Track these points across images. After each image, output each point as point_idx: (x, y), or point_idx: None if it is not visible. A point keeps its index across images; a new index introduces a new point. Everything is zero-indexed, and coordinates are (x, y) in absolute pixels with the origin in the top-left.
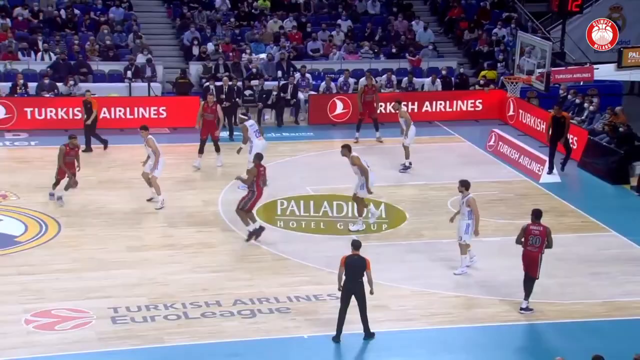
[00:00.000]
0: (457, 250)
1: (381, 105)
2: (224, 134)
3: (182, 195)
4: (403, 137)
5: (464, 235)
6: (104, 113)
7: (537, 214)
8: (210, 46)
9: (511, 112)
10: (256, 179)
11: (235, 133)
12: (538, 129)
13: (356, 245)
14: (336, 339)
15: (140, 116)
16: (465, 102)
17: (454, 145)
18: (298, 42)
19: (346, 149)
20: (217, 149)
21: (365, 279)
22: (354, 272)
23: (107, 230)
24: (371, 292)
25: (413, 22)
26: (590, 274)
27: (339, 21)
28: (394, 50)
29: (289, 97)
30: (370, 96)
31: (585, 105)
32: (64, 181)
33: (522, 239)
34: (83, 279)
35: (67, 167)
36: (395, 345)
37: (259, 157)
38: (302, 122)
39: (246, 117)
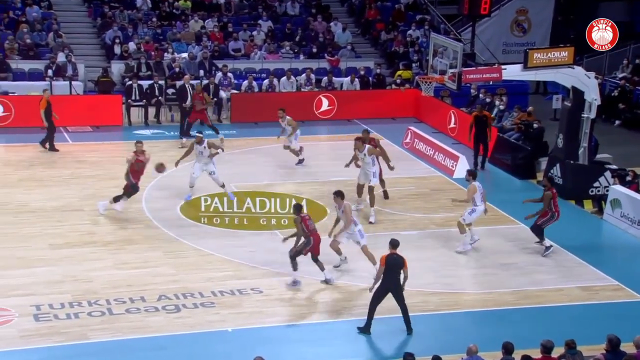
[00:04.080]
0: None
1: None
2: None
3: (106, 193)
4: (289, 141)
5: (466, 215)
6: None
7: None
8: (132, 45)
9: (426, 111)
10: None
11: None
12: (449, 126)
13: (394, 244)
14: (365, 330)
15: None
16: (382, 100)
17: None
18: (220, 42)
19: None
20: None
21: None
22: (394, 270)
23: (29, 228)
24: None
25: (332, 23)
26: (500, 265)
27: (260, 22)
28: (314, 50)
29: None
30: (198, 102)
31: (496, 103)
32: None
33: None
34: (4, 277)
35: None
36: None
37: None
38: (225, 120)
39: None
